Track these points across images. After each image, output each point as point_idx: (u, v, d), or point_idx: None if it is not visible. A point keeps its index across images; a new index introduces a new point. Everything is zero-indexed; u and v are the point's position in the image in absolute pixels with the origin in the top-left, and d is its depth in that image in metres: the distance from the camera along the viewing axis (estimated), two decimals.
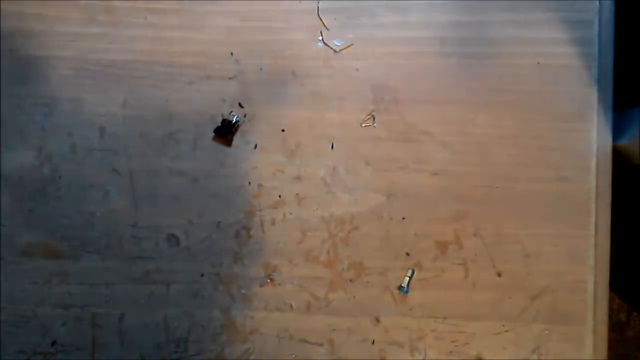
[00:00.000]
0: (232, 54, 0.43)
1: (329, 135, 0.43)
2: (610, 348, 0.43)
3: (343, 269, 0.43)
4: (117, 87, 0.44)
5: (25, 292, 0.44)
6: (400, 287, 0.43)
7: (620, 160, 0.43)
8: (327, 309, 0.43)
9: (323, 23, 0.43)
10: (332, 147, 0.43)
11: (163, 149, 0.44)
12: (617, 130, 0.42)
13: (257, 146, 0.43)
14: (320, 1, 0.43)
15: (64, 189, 0.44)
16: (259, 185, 0.43)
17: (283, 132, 0.43)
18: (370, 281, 0.43)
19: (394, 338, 0.43)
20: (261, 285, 0.43)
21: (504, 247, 0.42)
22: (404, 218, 0.43)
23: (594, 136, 0.42)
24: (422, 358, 0.43)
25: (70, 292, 0.44)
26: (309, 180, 0.43)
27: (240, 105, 0.44)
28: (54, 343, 0.44)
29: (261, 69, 0.43)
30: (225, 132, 0.43)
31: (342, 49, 0.43)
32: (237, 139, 0.43)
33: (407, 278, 0.43)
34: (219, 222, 0.43)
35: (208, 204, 0.43)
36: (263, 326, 0.43)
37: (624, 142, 0.42)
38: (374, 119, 0.43)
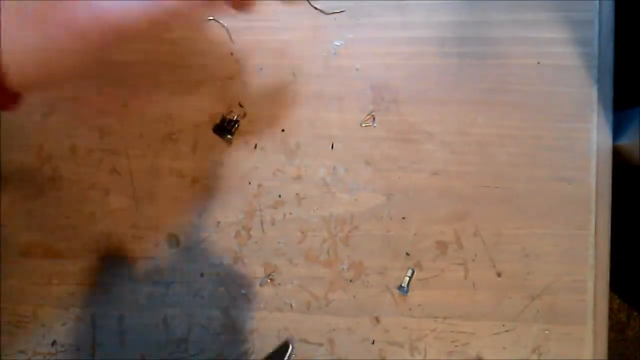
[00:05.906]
0: (232, 54, 0.43)
1: (329, 135, 0.43)
2: (610, 348, 0.43)
3: (343, 269, 0.43)
4: (117, 87, 0.44)
5: (25, 292, 0.44)
6: (400, 287, 0.43)
7: (620, 160, 0.43)
8: (327, 309, 0.43)
9: (321, 13, 0.43)
10: (332, 147, 0.43)
11: (163, 149, 0.44)
12: (617, 130, 0.42)
13: (257, 146, 0.43)
14: (320, 1, 0.43)
15: (64, 189, 0.44)
16: (259, 185, 0.43)
17: (283, 132, 0.43)
18: (370, 281, 0.43)
19: (394, 338, 0.43)
20: (261, 285, 0.43)
21: (504, 247, 0.42)
22: (404, 218, 0.43)
23: (594, 136, 0.42)
24: (422, 358, 0.43)
25: (70, 292, 0.44)
26: (309, 180, 0.43)
27: (240, 105, 0.43)
28: (54, 343, 0.44)
29: (261, 69, 0.43)
30: (225, 131, 0.43)
31: (342, 49, 0.43)
32: (237, 139, 0.43)
33: (407, 278, 0.43)
34: (219, 222, 0.43)
35: (208, 204, 0.43)
36: (263, 326, 0.43)
37: (624, 142, 0.42)
38: (374, 119, 0.43)
